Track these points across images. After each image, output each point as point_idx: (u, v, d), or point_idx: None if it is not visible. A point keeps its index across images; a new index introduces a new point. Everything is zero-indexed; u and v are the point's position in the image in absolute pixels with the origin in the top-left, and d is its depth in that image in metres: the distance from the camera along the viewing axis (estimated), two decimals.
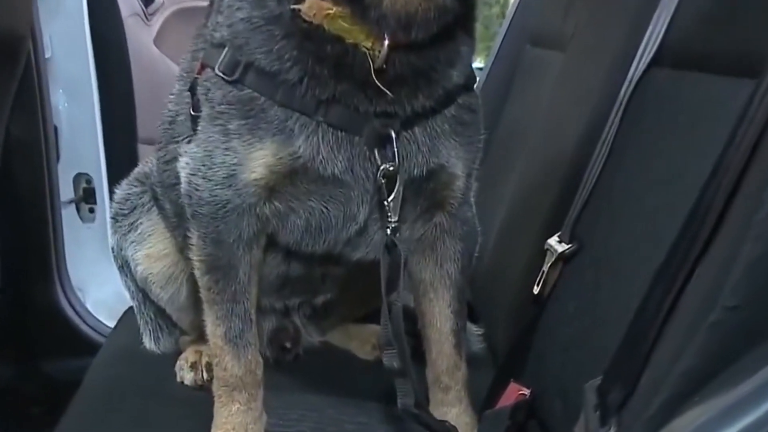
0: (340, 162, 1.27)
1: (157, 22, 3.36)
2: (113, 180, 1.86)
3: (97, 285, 2.62)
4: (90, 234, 2.67)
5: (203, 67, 1.34)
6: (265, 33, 1.25)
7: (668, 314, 0.96)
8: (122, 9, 2.88)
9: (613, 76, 1.45)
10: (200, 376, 1.57)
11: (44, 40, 2.41)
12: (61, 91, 2.56)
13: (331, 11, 1.20)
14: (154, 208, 1.63)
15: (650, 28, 1.34)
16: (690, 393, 0.90)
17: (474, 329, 1.78)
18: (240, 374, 1.36)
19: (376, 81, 1.22)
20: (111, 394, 1.56)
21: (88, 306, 2.56)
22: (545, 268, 1.44)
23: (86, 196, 2.66)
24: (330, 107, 1.24)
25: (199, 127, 1.34)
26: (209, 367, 1.52)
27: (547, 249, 1.45)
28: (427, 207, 1.39)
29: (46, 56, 2.43)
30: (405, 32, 1.20)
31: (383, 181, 1.28)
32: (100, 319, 2.53)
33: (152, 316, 1.71)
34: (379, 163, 1.27)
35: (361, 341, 1.74)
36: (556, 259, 1.42)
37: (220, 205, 1.30)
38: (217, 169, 1.29)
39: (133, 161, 2.55)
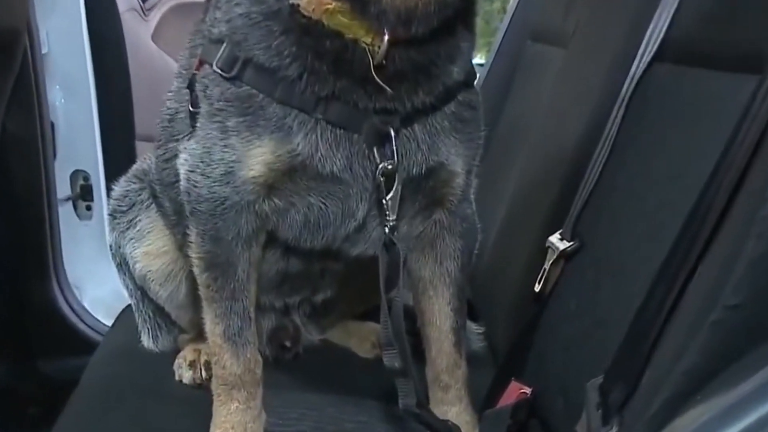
0: (339, 160, 1.27)
1: (155, 17, 3.36)
2: (111, 177, 1.86)
3: (95, 283, 2.62)
4: (87, 231, 2.67)
5: (201, 63, 1.34)
6: (264, 29, 1.25)
7: (670, 313, 0.97)
8: (119, 4, 2.88)
9: (615, 73, 1.45)
10: (199, 374, 1.57)
11: (41, 36, 2.41)
12: (57, 87, 2.56)
13: (330, 6, 1.20)
14: (153, 205, 1.63)
15: (652, 24, 1.34)
16: (692, 392, 0.91)
17: (474, 327, 1.78)
18: (239, 373, 1.36)
19: (376, 77, 1.22)
20: (109, 393, 1.56)
21: (86, 304, 2.56)
22: (546, 266, 1.44)
23: (83, 194, 2.66)
24: (329, 104, 1.24)
25: (197, 124, 1.34)
26: (208, 365, 1.52)
27: (548, 247, 1.45)
28: (426, 204, 1.39)
29: (43, 52, 2.43)
30: (405, 27, 1.20)
31: (382, 180, 1.28)
32: (98, 317, 2.53)
33: (151, 315, 1.71)
34: (378, 161, 1.27)
35: (361, 339, 1.74)
36: (557, 257, 1.42)
37: (218, 202, 1.31)
38: (215, 166, 1.29)
39: (131, 158, 2.54)
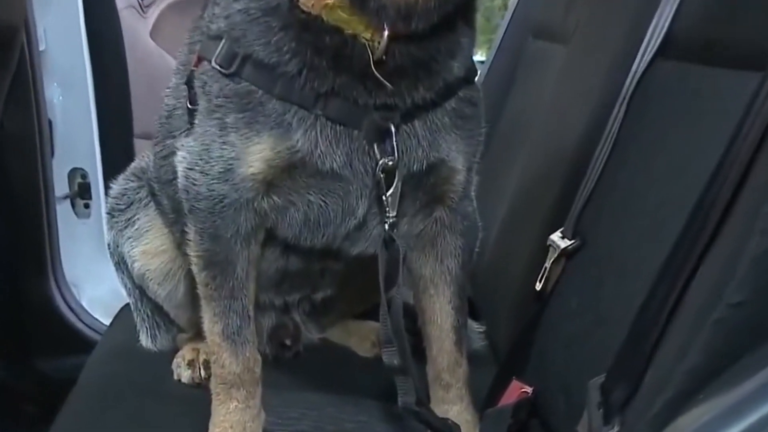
0: (339, 156, 1.27)
1: (153, 14, 3.35)
2: (109, 175, 1.86)
3: (93, 282, 2.62)
4: (85, 230, 2.67)
5: (200, 59, 1.34)
6: (263, 24, 1.25)
7: (672, 311, 0.97)
8: (118, 1, 2.88)
9: (617, 70, 1.45)
10: (198, 373, 1.57)
11: (38, 33, 2.40)
12: (55, 84, 2.56)
13: (329, 1, 1.20)
14: (151, 203, 1.63)
15: (654, 20, 1.34)
16: (694, 391, 0.90)
17: (475, 326, 1.78)
18: (238, 372, 1.36)
19: (376, 73, 1.21)
20: (107, 393, 1.56)
21: (84, 303, 2.56)
22: (547, 264, 1.44)
23: (81, 192, 2.66)
24: (329, 100, 1.24)
25: (196, 121, 1.34)
26: (207, 364, 1.52)
27: (550, 245, 1.45)
28: (427, 201, 1.39)
29: (41, 49, 2.43)
30: (405, 23, 1.20)
31: (382, 176, 1.28)
32: (96, 316, 2.53)
33: (149, 313, 1.71)
34: (378, 157, 1.27)
35: (361, 338, 1.74)
36: (558, 255, 1.42)
37: (217, 200, 1.30)
38: (214, 164, 1.29)
39: (129, 156, 2.55)
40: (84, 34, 2.58)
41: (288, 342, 1.66)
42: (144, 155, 1.69)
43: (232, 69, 1.27)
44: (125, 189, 1.66)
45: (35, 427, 1.72)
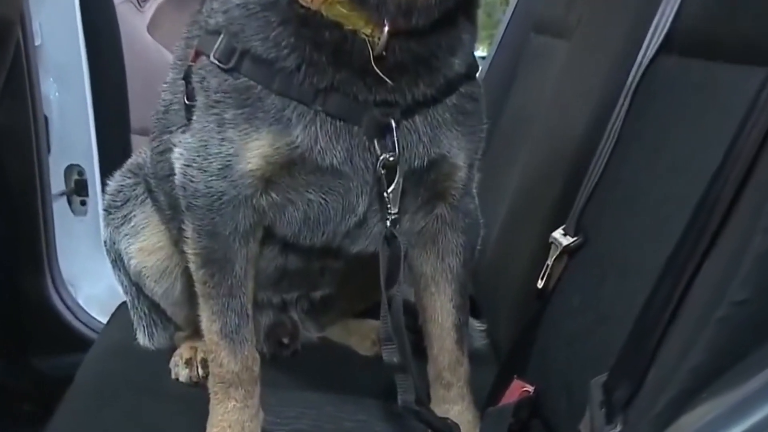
0: (339, 152, 1.27)
1: (151, 8, 3.36)
2: (106, 172, 1.87)
3: (90, 279, 2.62)
4: (82, 227, 2.67)
5: (198, 54, 1.34)
6: (261, 19, 1.25)
7: (675, 309, 0.97)
8: None
9: (620, 65, 1.45)
10: (195, 372, 1.57)
11: (34, 27, 2.40)
12: (51, 79, 2.56)
13: None
14: (148, 200, 1.63)
15: (658, 15, 1.34)
16: (698, 390, 0.90)
17: (476, 324, 1.78)
18: (236, 370, 1.36)
19: (376, 68, 1.21)
20: (104, 391, 1.56)
21: (80, 301, 2.56)
22: (549, 261, 1.44)
23: (78, 189, 2.66)
24: (328, 96, 1.24)
25: (193, 117, 1.34)
26: (205, 363, 1.52)
27: (552, 242, 1.45)
28: (428, 198, 1.39)
29: (36, 44, 2.42)
30: (405, 18, 1.20)
31: (383, 172, 1.28)
32: (93, 314, 2.53)
33: (146, 311, 1.71)
34: (378, 153, 1.27)
35: (361, 337, 1.74)
36: (560, 253, 1.42)
37: (215, 197, 1.30)
38: (212, 160, 1.29)
39: (126, 152, 2.55)
40: (80, 28, 2.57)
41: (285, 340, 1.66)
42: (141, 151, 1.69)
43: (231, 64, 1.27)
44: (122, 186, 1.66)
45: (32, 425, 1.72)
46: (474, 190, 1.45)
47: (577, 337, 1.32)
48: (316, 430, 1.43)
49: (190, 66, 1.36)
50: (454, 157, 1.35)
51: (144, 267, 1.63)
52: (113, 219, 1.65)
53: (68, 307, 2.52)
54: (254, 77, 1.26)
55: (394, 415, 1.40)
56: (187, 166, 1.32)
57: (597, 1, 1.78)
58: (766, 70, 0.95)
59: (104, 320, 2.05)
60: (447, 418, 1.35)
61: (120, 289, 1.72)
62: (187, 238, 1.36)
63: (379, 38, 1.21)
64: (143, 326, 1.72)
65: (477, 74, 1.39)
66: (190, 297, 1.52)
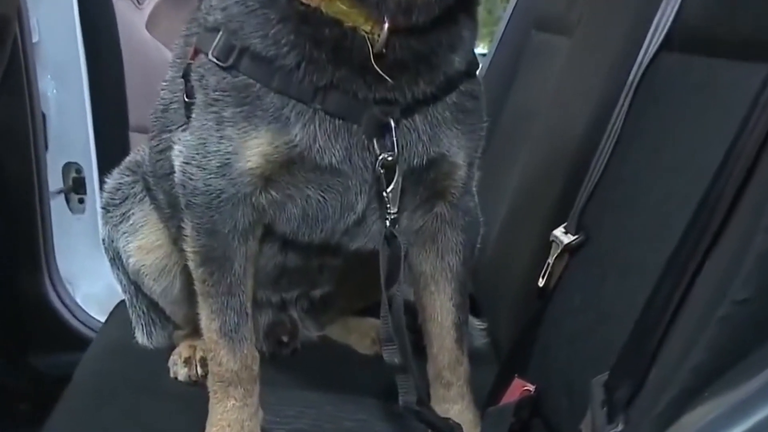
0: (338, 151, 1.27)
1: (149, 5, 3.35)
2: (104, 169, 1.86)
3: (88, 278, 2.62)
4: (80, 225, 2.67)
5: (197, 52, 1.34)
6: (261, 17, 1.25)
7: (677, 308, 0.97)
8: None
9: (621, 62, 1.45)
10: (194, 371, 1.57)
11: (31, 24, 2.40)
12: (49, 77, 2.56)
13: None
14: (147, 198, 1.63)
15: (659, 11, 1.34)
16: (699, 389, 0.90)
17: (477, 323, 1.78)
18: (235, 369, 1.36)
19: (376, 66, 1.21)
20: (102, 390, 1.56)
21: (78, 300, 2.56)
22: (550, 260, 1.44)
23: (76, 186, 2.66)
24: (328, 94, 1.24)
25: (192, 115, 1.34)
26: (204, 362, 1.53)
27: (553, 240, 1.45)
28: (427, 197, 1.39)
29: (34, 41, 2.42)
30: (405, 15, 1.20)
31: (382, 171, 1.28)
32: (91, 313, 2.53)
33: (145, 310, 1.71)
34: (377, 152, 1.27)
35: (361, 335, 1.74)
36: (561, 251, 1.42)
37: (214, 195, 1.31)
38: (211, 158, 1.29)
39: (125, 150, 2.55)
40: (78, 25, 2.57)
41: (285, 339, 1.66)
42: (139, 149, 1.69)
43: (230, 62, 1.27)
44: (120, 183, 1.66)
45: (29, 425, 1.72)
46: (474, 189, 1.45)
47: (578, 336, 1.32)
48: (316, 429, 1.43)
49: (189, 64, 1.36)
50: (453, 156, 1.35)
51: (143, 265, 1.63)
52: (112, 217, 1.65)
53: (66, 306, 2.52)
54: (253, 75, 1.26)
55: (395, 414, 1.40)
56: (187, 164, 1.33)
57: None
58: None
59: (102, 319, 2.05)
60: (448, 418, 1.35)
61: (118, 288, 1.72)
62: (186, 236, 1.37)
63: (379, 35, 1.21)
64: (142, 325, 1.72)
65: (477, 72, 1.39)
66: (189, 295, 1.52)
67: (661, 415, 0.92)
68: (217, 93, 1.28)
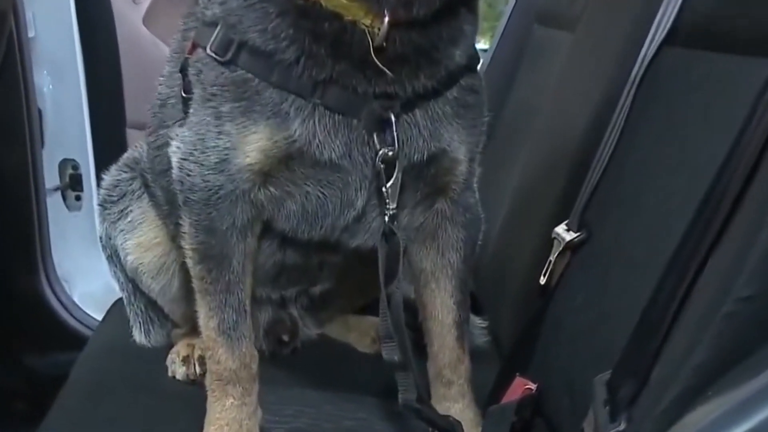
0: (338, 146, 1.27)
1: (147, 0, 3.35)
2: (101, 166, 1.86)
3: (85, 276, 2.62)
4: (77, 223, 2.67)
5: (194, 46, 1.34)
6: (259, 11, 1.25)
7: (681, 305, 0.96)
8: None
9: (624, 57, 1.45)
10: (193, 370, 1.57)
11: (27, 19, 2.40)
12: (45, 72, 2.55)
13: None
14: (145, 195, 1.63)
15: (663, 6, 1.34)
16: (703, 387, 0.90)
17: (478, 321, 1.78)
18: (234, 368, 1.36)
19: (376, 60, 1.21)
20: (99, 389, 1.56)
21: (75, 298, 2.56)
22: (552, 257, 1.44)
23: (73, 183, 2.66)
24: (327, 88, 1.24)
25: (190, 110, 1.34)
26: (202, 360, 1.53)
27: (554, 237, 1.45)
28: (428, 193, 1.39)
29: (30, 36, 2.42)
30: (406, 9, 1.20)
31: (382, 167, 1.28)
32: (88, 311, 2.53)
33: (142, 308, 1.71)
34: (377, 147, 1.27)
35: (361, 333, 1.74)
36: (563, 248, 1.42)
37: (212, 191, 1.31)
38: (209, 154, 1.29)
39: (122, 146, 2.55)
40: (75, 20, 2.57)
41: (285, 338, 1.66)
42: (137, 145, 1.69)
43: (228, 56, 1.27)
44: (117, 180, 1.66)
45: (26, 424, 1.72)
46: (475, 185, 1.45)
47: (579, 334, 1.32)
48: (315, 428, 1.43)
49: (186, 58, 1.36)
50: (454, 151, 1.35)
51: (141, 263, 1.63)
52: (109, 214, 1.65)
53: (63, 304, 2.52)
54: (252, 70, 1.26)
55: (395, 413, 1.40)
56: (184, 160, 1.33)
57: None
58: None
59: (99, 317, 2.05)
60: (449, 416, 1.35)
61: (116, 286, 1.73)
62: (184, 233, 1.37)
63: (379, 29, 1.20)
64: (140, 323, 1.72)
65: (478, 66, 1.39)
66: (187, 293, 1.52)
67: (664, 414, 0.91)
68: (215, 88, 1.28)
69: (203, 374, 1.47)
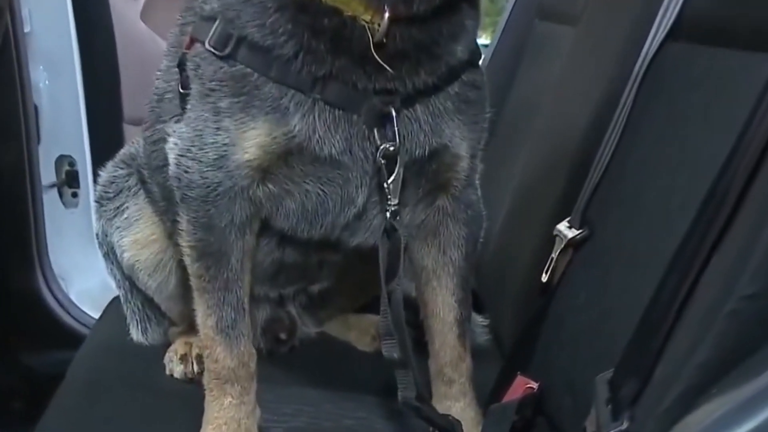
0: (338, 142, 1.27)
1: None
2: (98, 162, 1.86)
3: (81, 274, 2.62)
4: (73, 220, 2.67)
5: (192, 41, 1.34)
6: (258, 5, 1.25)
7: (683, 303, 0.97)
8: None
9: (626, 53, 1.45)
10: (190, 368, 1.57)
11: (23, 14, 2.40)
12: (41, 67, 2.55)
13: None
14: (141, 191, 1.63)
15: (665, 1, 1.34)
16: (706, 385, 0.91)
17: (479, 319, 1.78)
18: (232, 366, 1.36)
19: (376, 56, 1.21)
20: (96, 388, 1.56)
21: (72, 296, 2.55)
22: (554, 255, 1.45)
23: (69, 180, 2.66)
24: (327, 84, 1.24)
25: (188, 106, 1.34)
26: (200, 359, 1.53)
27: (556, 235, 1.45)
28: (429, 190, 1.39)
29: (26, 31, 2.42)
30: (406, 4, 1.20)
31: (383, 162, 1.28)
32: (84, 309, 2.53)
33: (139, 306, 1.71)
34: (378, 143, 1.27)
35: (361, 332, 1.74)
36: (565, 246, 1.42)
37: (210, 188, 1.31)
38: (207, 150, 1.29)
39: (119, 142, 2.54)
40: (71, 15, 2.56)
41: (283, 336, 1.67)
42: (134, 141, 1.69)
43: (226, 51, 1.27)
44: (114, 176, 1.66)
45: (23, 423, 1.72)
46: (476, 181, 1.45)
47: (581, 332, 1.32)
48: (315, 427, 1.43)
49: (184, 53, 1.36)
50: (456, 147, 1.35)
51: (137, 260, 1.63)
52: (105, 211, 1.65)
53: (59, 302, 2.52)
54: (251, 65, 1.26)
55: (395, 412, 1.41)
56: (182, 156, 1.33)
57: None
58: None
59: (96, 315, 2.06)
60: (449, 415, 1.35)
61: (112, 283, 1.73)
62: (181, 230, 1.37)
63: (379, 25, 1.20)
64: (137, 321, 1.72)
65: (480, 62, 1.39)
66: (184, 291, 1.52)
67: (667, 413, 0.92)
68: (213, 83, 1.28)
69: (201, 373, 1.47)
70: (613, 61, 1.55)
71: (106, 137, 2.69)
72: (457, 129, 1.34)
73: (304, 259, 1.50)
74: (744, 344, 0.91)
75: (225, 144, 1.28)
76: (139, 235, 1.63)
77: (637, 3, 1.53)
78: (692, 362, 0.92)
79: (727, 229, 0.94)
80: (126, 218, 1.63)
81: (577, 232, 1.41)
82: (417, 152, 1.31)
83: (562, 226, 1.44)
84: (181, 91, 1.35)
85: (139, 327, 1.72)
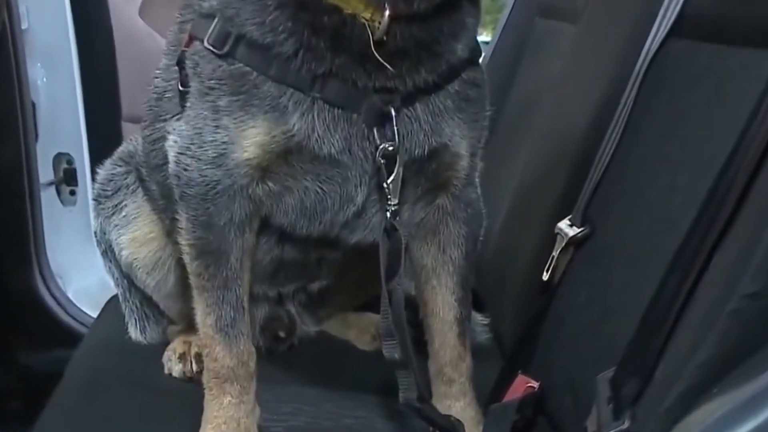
0: (337, 141, 1.27)
1: None
2: (96, 160, 1.86)
3: (79, 272, 2.62)
4: (71, 218, 2.67)
5: (191, 39, 1.34)
6: (257, 3, 1.25)
7: (685, 302, 0.97)
8: None
9: (628, 50, 1.45)
10: (189, 367, 1.57)
11: (21, 11, 2.40)
12: (39, 65, 2.55)
13: None
14: (140, 189, 1.63)
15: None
16: (708, 385, 0.91)
17: (479, 318, 1.78)
18: (231, 365, 1.36)
19: (376, 54, 1.21)
20: (94, 387, 1.56)
21: (70, 295, 2.56)
22: (555, 253, 1.45)
23: (67, 178, 2.66)
24: (326, 82, 1.24)
25: (187, 104, 1.34)
26: (199, 358, 1.53)
27: (557, 233, 1.45)
28: (429, 188, 1.39)
29: (23, 27, 2.42)
30: (407, 2, 1.20)
31: (382, 162, 1.28)
32: (82, 308, 2.53)
33: (138, 305, 1.71)
34: (378, 142, 1.27)
35: (360, 331, 1.74)
36: (566, 244, 1.42)
37: (210, 186, 1.31)
38: (206, 148, 1.29)
39: (117, 140, 2.52)
40: (69, 11, 2.57)
41: (282, 334, 1.67)
42: (132, 139, 1.69)
43: (225, 49, 1.27)
44: (112, 174, 1.66)
45: (21, 422, 1.72)
46: (477, 180, 1.45)
47: (583, 331, 1.32)
48: (314, 426, 1.43)
49: (183, 51, 1.36)
50: (456, 146, 1.35)
51: (135, 258, 1.63)
52: (104, 209, 1.65)
53: (57, 301, 2.52)
54: (250, 63, 1.26)
55: (394, 411, 1.41)
56: (181, 154, 1.33)
57: None
58: None
59: (94, 314, 2.06)
60: (450, 416, 1.35)
61: (111, 282, 1.73)
62: (180, 228, 1.37)
63: (379, 23, 1.20)
64: (135, 320, 1.72)
65: (480, 60, 1.39)
66: (183, 289, 1.53)
67: (669, 412, 0.92)
68: (212, 81, 1.28)
69: (200, 372, 1.47)
70: (614, 58, 1.55)
71: (104, 135, 2.69)
72: (457, 127, 1.34)
73: (304, 256, 1.50)
74: (745, 343, 0.91)
75: (224, 142, 1.28)
76: (138, 233, 1.63)
77: (638, 0, 1.53)
78: (693, 361, 0.92)
79: (729, 228, 0.95)
80: (124, 216, 1.63)
81: (578, 230, 1.41)
82: (417, 151, 1.31)
83: (563, 225, 1.44)
84: (181, 89, 1.35)
85: (138, 325, 1.72)
